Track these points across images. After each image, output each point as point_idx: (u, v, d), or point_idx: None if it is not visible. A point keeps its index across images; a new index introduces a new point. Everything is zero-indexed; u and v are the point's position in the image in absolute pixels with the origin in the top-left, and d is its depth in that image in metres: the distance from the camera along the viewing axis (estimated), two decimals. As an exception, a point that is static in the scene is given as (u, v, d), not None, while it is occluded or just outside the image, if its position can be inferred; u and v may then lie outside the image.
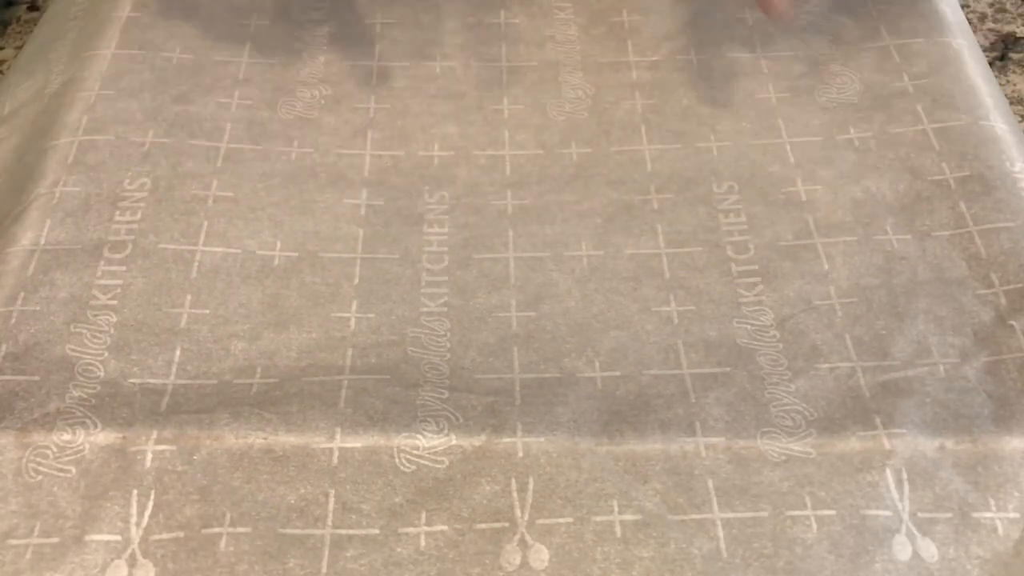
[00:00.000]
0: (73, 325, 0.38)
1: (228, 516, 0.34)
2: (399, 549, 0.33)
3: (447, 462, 0.35)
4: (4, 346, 0.37)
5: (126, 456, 0.34)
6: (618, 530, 0.33)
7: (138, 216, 0.42)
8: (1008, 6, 0.60)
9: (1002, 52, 0.57)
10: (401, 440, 0.35)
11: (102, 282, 0.40)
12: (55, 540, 0.33)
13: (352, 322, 0.40)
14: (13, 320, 0.38)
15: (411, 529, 0.33)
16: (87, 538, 0.33)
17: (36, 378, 0.36)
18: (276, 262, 0.42)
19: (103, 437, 0.35)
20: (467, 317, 0.40)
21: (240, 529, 0.33)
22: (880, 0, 0.52)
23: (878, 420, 0.36)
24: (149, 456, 0.35)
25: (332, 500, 0.34)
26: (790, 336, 0.39)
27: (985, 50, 0.57)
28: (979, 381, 0.37)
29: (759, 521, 0.34)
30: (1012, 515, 0.34)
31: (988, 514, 0.34)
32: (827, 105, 0.48)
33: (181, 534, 0.33)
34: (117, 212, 0.42)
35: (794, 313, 0.40)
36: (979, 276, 0.40)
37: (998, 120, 0.46)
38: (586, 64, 0.51)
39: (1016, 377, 0.37)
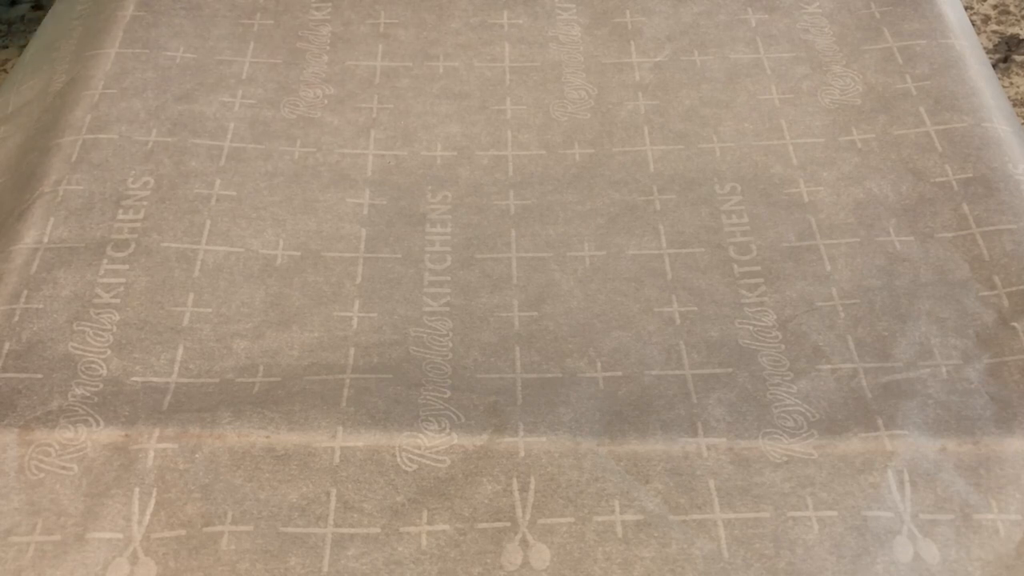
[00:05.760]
0: (76, 323, 0.38)
1: (230, 514, 0.34)
2: (400, 548, 0.33)
3: (449, 461, 0.35)
4: (7, 344, 0.37)
5: (128, 454, 0.34)
6: (619, 530, 0.33)
7: (141, 215, 0.42)
8: (1012, 8, 0.60)
9: (1005, 54, 0.57)
10: (403, 439, 0.35)
11: (105, 280, 0.40)
12: (57, 538, 0.33)
13: (354, 321, 0.40)
14: (16, 318, 0.38)
15: (412, 528, 0.33)
16: (89, 536, 0.33)
17: (39, 376, 0.37)
18: (279, 261, 0.42)
19: (105, 435, 0.35)
20: (469, 317, 0.40)
21: (242, 527, 0.33)
22: (883, 2, 0.53)
23: (880, 421, 0.36)
24: (151, 454, 0.35)
25: (334, 499, 0.34)
26: (792, 337, 0.39)
27: (988, 52, 0.57)
28: (981, 383, 0.37)
29: (760, 522, 0.34)
30: (1013, 517, 0.34)
31: (989, 516, 0.34)
32: (830, 106, 0.48)
33: (183, 532, 0.33)
34: (120, 211, 0.42)
35: (796, 314, 0.40)
36: (981, 278, 0.40)
37: (1001, 122, 0.46)
38: (589, 65, 0.51)
39: (1018, 379, 0.37)
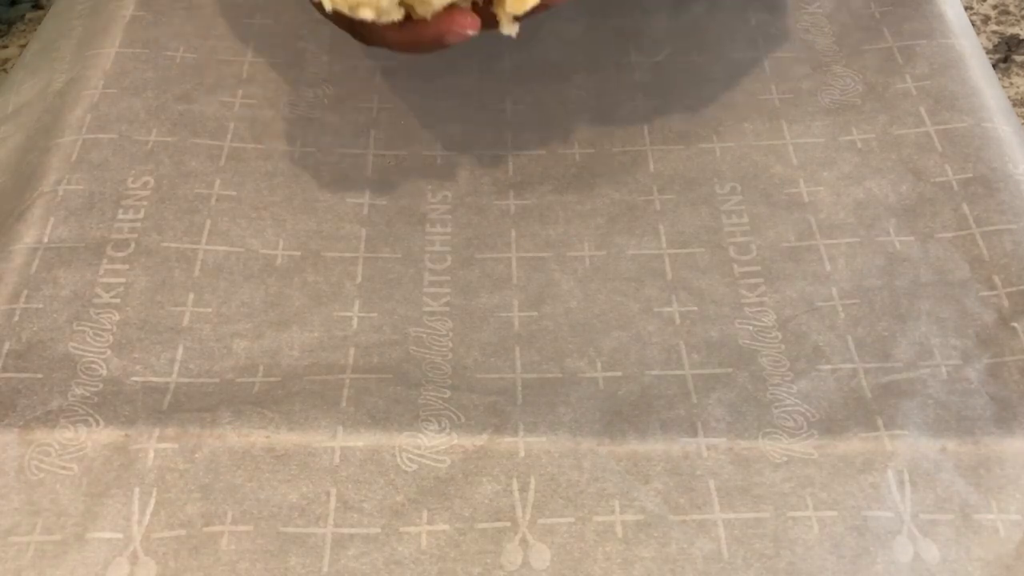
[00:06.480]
0: (76, 323, 0.38)
1: (230, 514, 0.34)
2: (400, 548, 0.33)
3: (449, 461, 0.35)
4: (7, 344, 0.37)
5: (128, 454, 0.35)
6: (619, 530, 0.33)
7: (141, 214, 0.42)
8: (1011, 8, 0.60)
9: (1005, 54, 0.57)
10: (403, 439, 0.35)
11: (105, 280, 0.40)
12: (57, 538, 0.33)
13: (354, 321, 0.40)
14: (16, 318, 0.38)
15: (412, 528, 0.33)
16: (89, 536, 0.33)
17: (39, 376, 0.37)
18: (279, 261, 0.42)
19: (105, 435, 0.35)
20: (469, 317, 0.40)
21: (242, 527, 0.33)
22: (883, 2, 0.53)
23: (880, 421, 0.36)
24: (151, 454, 0.35)
25: (334, 499, 0.34)
26: (792, 337, 0.39)
27: (988, 52, 0.57)
28: (981, 383, 0.37)
29: (760, 522, 0.34)
30: (1013, 517, 0.34)
31: (989, 516, 0.34)
32: (830, 106, 0.48)
33: (183, 532, 0.33)
34: (120, 210, 0.42)
35: (796, 314, 0.40)
36: (981, 278, 0.40)
37: (1001, 122, 0.46)
38: (589, 64, 0.51)
39: (1018, 379, 0.37)
